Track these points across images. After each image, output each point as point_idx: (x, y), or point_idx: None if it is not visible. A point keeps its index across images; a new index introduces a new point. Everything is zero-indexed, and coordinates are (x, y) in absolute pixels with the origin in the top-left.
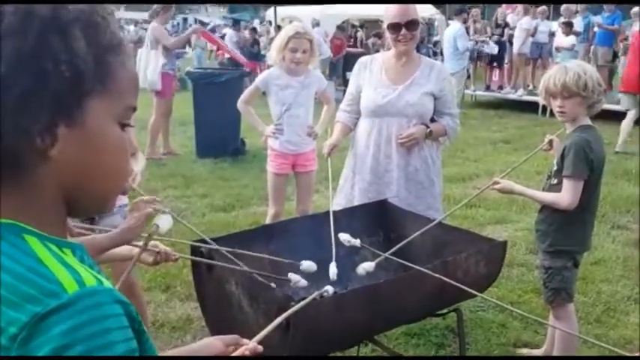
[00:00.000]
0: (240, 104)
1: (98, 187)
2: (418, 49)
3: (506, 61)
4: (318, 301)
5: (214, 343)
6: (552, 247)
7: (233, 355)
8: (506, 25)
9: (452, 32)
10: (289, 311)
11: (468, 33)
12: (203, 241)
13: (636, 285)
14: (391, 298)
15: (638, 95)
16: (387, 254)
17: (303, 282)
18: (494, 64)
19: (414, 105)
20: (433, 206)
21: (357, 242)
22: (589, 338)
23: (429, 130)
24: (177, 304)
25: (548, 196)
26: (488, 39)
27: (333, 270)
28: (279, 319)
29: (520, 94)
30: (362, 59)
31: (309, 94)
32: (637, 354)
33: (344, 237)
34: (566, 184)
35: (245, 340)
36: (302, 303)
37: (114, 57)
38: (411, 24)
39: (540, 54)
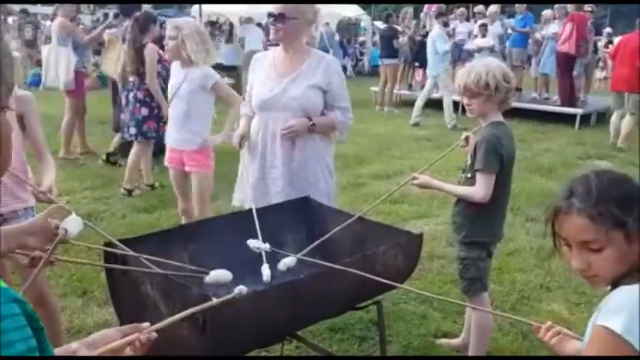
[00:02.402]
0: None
1: None
2: (345, 50)
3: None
4: (235, 299)
5: (110, 334)
6: (467, 239)
7: (125, 339)
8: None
9: (431, 35)
10: (201, 306)
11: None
12: (116, 244)
13: (548, 274)
14: (310, 293)
15: (626, 94)
16: (299, 255)
17: (224, 276)
18: (416, 64)
19: (297, 99)
20: None
21: (266, 247)
22: (505, 314)
23: (311, 122)
24: (95, 310)
25: (463, 190)
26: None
27: (266, 272)
28: (185, 312)
29: (441, 94)
30: (256, 55)
31: (189, 89)
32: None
33: (253, 243)
34: (479, 177)
35: (144, 325)
36: (216, 301)
37: None
38: (278, 17)
39: (460, 55)
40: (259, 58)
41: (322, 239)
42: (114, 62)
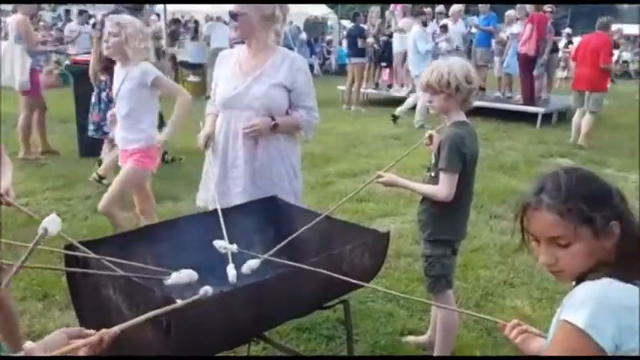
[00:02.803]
0: None
1: None
2: (312, 48)
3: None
4: (201, 300)
5: (58, 337)
6: (432, 237)
7: (90, 339)
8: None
9: (412, 35)
10: (165, 309)
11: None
12: (77, 246)
13: (512, 270)
14: (276, 294)
15: (586, 93)
16: (265, 256)
17: (190, 276)
18: (383, 63)
19: (259, 98)
20: None
21: (234, 248)
22: (471, 313)
23: (273, 122)
24: (56, 314)
25: (427, 189)
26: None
27: (232, 273)
28: (147, 315)
29: (407, 92)
30: (222, 52)
31: (130, 87)
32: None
33: (219, 244)
34: (442, 177)
35: (90, 331)
36: (181, 303)
37: None
38: (234, 15)
39: None
40: (225, 56)
41: (289, 239)
42: None
